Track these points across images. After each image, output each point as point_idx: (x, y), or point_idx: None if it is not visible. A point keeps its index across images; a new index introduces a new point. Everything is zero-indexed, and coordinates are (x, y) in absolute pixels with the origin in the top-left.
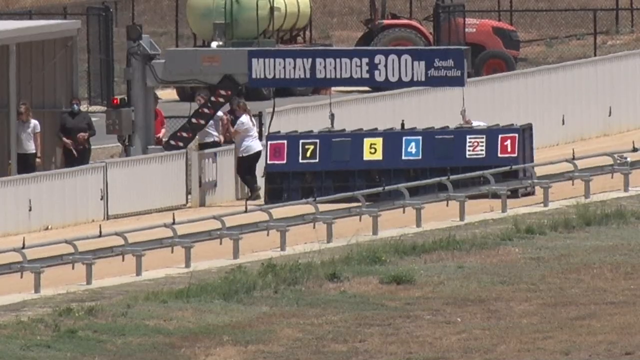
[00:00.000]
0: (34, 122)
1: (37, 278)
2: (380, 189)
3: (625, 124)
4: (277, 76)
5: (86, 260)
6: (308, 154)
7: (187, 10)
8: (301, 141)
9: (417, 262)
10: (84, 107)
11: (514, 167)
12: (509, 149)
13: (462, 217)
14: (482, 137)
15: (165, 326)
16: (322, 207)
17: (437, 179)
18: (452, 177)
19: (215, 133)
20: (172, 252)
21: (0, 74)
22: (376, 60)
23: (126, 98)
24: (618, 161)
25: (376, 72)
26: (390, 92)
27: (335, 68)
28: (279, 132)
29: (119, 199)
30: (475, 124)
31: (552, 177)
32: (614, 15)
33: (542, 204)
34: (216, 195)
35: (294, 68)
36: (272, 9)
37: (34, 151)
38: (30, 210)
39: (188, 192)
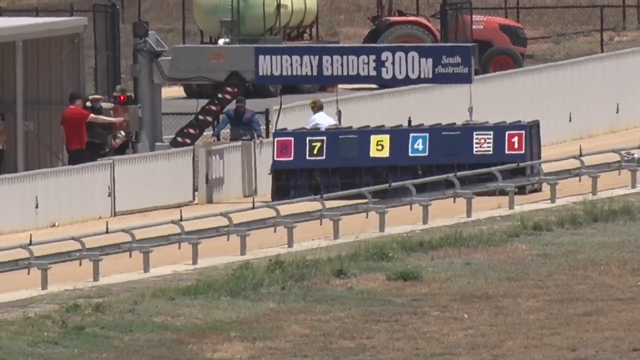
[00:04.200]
0: None
1: (44, 275)
2: (387, 185)
3: (632, 120)
4: (284, 73)
5: (93, 256)
6: (315, 151)
7: (193, 7)
8: (308, 138)
9: (424, 258)
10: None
11: (521, 164)
12: (516, 146)
13: (469, 214)
14: (489, 134)
15: (172, 323)
16: (329, 204)
17: (444, 175)
18: (459, 173)
19: None
20: (179, 248)
21: (7, 70)
22: (383, 58)
23: (133, 95)
24: (625, 158)
25: (383, 69)
26: (397, 89)
27: (342, 65)
28: (285, 129)
29: (126, 195)
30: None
31: (559, 173)
32: (621, 11)
33: (549, 201)
34: (223, 192)
35: (301, 65)
36: (278, 6)
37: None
38: (37, 207)
39: (195, 189)
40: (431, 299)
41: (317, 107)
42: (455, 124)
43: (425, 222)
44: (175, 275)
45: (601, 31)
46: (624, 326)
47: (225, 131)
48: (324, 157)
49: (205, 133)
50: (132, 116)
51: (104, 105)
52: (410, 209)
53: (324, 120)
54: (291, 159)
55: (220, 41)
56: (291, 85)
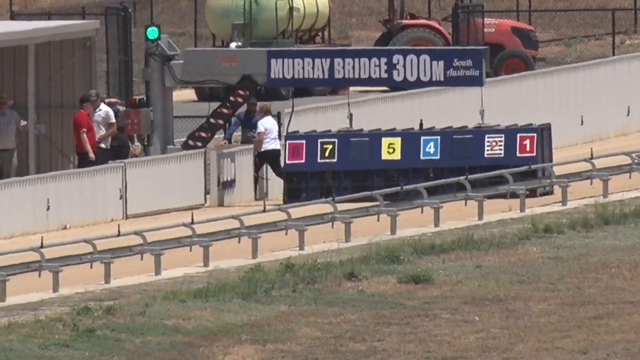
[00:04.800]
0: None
1: (56, 277)
2: (398, 188)
3: None
4: (295, 76)
5: (105, 259)
6: (326, 154)
7: (205, 11)
8: (320, 141)
9: (436, 261)
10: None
11: (532, 166)
12: (528, 149)
13: (480, 217)
14: (501, 137)
15: (183, 325)
16: (341, 207)
17: (456, 178)
18: (471, 176)
19: None
20: (190, 251)
21: (19, 74)
22: (395, 60)
23: (145, 98)
24: (636, 161)
25: (395, 72)
26: (408, 92)
27: (353, 68)
28: (297, 132)
29: (138, 198)
30: None
31: (571, 176)
32: (632, 15)
33: (560, 204)
34: (234, 195)
35: (313, 68)
36: (291, 9)
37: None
38: (48, 209)
39: (206, 192)
40: (442, 301)
41: (264, 112)
42: (466, 126)
43: (436, 224)
44: (186, 277)
45: (613, 34)
46: (635, 329)
47: (237, 134)
48: (335, 160)
49: (216, 136)
50: (144, 119)
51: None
52: (422, 211)
53: (271, 124)
54: (303, 161)
55: (232, 44)
56: (303, 88)
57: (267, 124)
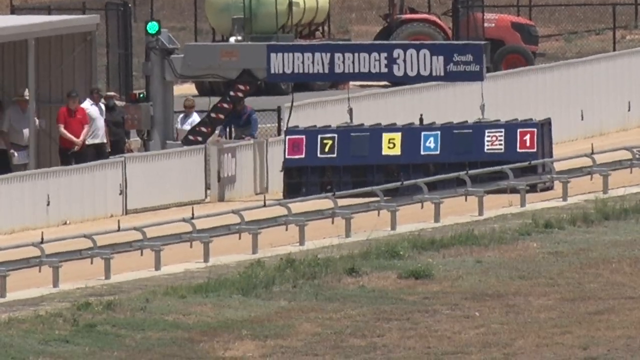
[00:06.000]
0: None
1: (56, 272)
2: (398, 183)
3: None
4: (295, 71)
5: (105, 255)
6: (326, 149)
7: (205, 5)
8: (320, 136)
9: (436, 256)
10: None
11: (532, 162)
12: (528, 144)
13: (480, 212)
14: (501, 132)
15: (184, 321)
16: (341, 202)
17: (456, 173)
18: (471, 172)
19: None
20: (190, 246)
21: (20, 68)
22: (395, 55)
23: (145, 93)
24: (637, 156)
25: (395, 67)
26: (408, 86)
27: (353, 63)
28: (297, 126)
29: (138, 193)
30: None
31: (571, 172)
32: (633, 9)
33: (560, 199)
34: (235, 190)
35: (313, 63)
36: (290, 3)
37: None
38: (48, 204)
39: (207, 187)
40: (442, 297)
41: (189, 107)
42: (467, 122)
43: (436, 220)
44: (186, 273)
45: (613, 29)
46: (636, 325)
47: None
48: (335, 155)
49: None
50: (144, 114)
51: (118, 102)
52: (422, 207)
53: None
54: (303, 156)
55: (232, 39)
56: (303, 83)
57: (197, 120)
